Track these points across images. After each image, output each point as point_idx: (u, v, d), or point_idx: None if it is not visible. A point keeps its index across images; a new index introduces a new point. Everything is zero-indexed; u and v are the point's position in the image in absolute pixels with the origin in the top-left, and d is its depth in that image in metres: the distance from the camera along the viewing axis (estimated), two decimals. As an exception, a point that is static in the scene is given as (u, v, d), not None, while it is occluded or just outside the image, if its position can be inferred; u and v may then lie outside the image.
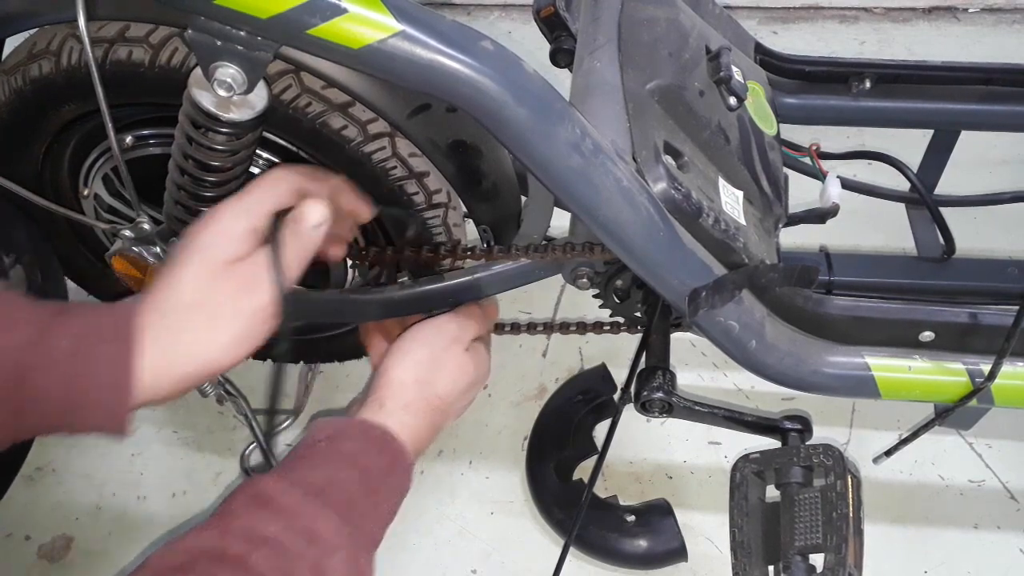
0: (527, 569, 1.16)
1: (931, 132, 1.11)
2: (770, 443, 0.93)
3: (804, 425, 0.93)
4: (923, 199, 1.10)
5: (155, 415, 1.29)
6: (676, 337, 0.95)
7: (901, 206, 1.17)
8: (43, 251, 1.07)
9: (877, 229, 1.33)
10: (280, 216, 0.68)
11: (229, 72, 0.70)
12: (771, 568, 0.83)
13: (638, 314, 0.96)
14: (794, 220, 0.98)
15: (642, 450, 1.25)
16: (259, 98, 0.76)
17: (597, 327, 0.98)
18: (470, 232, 0.99)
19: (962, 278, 1.09)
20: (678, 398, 0.90)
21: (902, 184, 1.13)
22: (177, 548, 0.58)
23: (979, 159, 1.29)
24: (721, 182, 0.87)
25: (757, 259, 0.84)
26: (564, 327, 1.01)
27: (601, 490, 1.18)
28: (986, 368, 0.88)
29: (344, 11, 0.65)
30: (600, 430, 1.23)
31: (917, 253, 1.13)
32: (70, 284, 1.15)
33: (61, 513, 1.22)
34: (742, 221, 0.85)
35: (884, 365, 0.92)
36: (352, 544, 0.62)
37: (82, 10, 0.72)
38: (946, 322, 0.91)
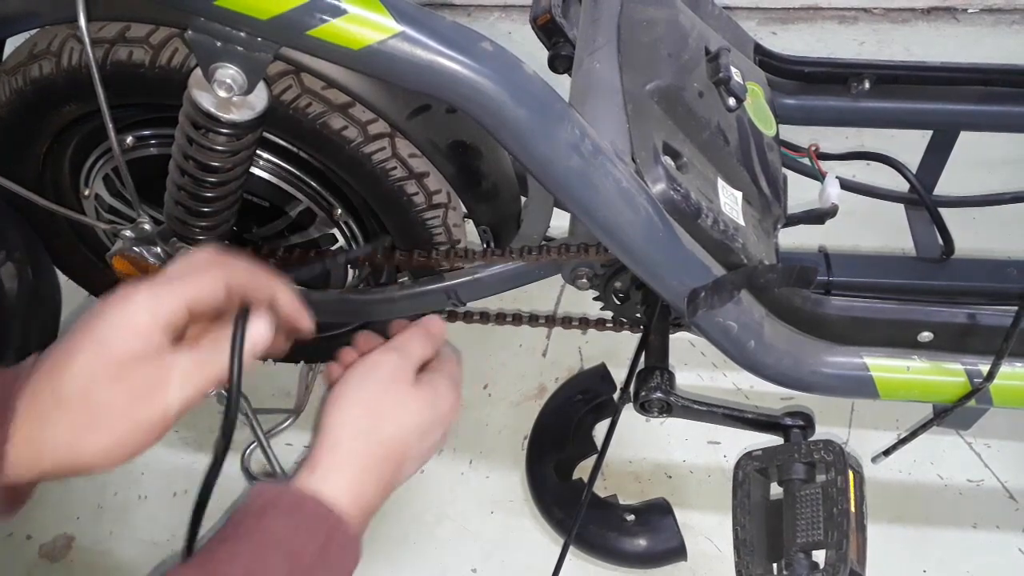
0: (527, 568, 1.16)
1: (930, 132, 1.12)
2: (769, 442, 0.93)
3: (806, 421, 0.92)
4: (922, 199, 1.10)
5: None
6: (675, 337, 0.95)
7: (900, 206, 1.17)
8: (35, 248, 1.07)
9: (876, 229, 1.33)
10: (243, 311, 0.58)
11: (229, 73, 0.71)
12: (774, 565, 0.82)
13: (638, 315, 0.96)
14: (793, 220, 0.98)
15: (641, 449, 1.25)
16: (259, 99, 0.76)
17: (599, 324, 0.99)
18: (470, 232, 0.99)
19: (961, 278, 1.09)
20: (677, 398, 0.90)
21: (901, 184, 1.13)
22: None
23: (978, 159, 1.28)
24: (720, 183, 0.87)
25: (756, 259, 0.84)
26: (566, 321, 1.01)
27: (601, 489, 1.18)
28: (985, 368, 0.89)
29: (344, 12, 0.65)
30: (600, 429, 1.23)
31: (916, 253, 1.12)
32: (69, 284, 1.15)
33: (62, 512, 1.22)
34: (741, 222, 0.85)
35: (883, 365, 0.92)
36: None
37: (83, 11, 0.72)
38: (945, 322, 0.91)
